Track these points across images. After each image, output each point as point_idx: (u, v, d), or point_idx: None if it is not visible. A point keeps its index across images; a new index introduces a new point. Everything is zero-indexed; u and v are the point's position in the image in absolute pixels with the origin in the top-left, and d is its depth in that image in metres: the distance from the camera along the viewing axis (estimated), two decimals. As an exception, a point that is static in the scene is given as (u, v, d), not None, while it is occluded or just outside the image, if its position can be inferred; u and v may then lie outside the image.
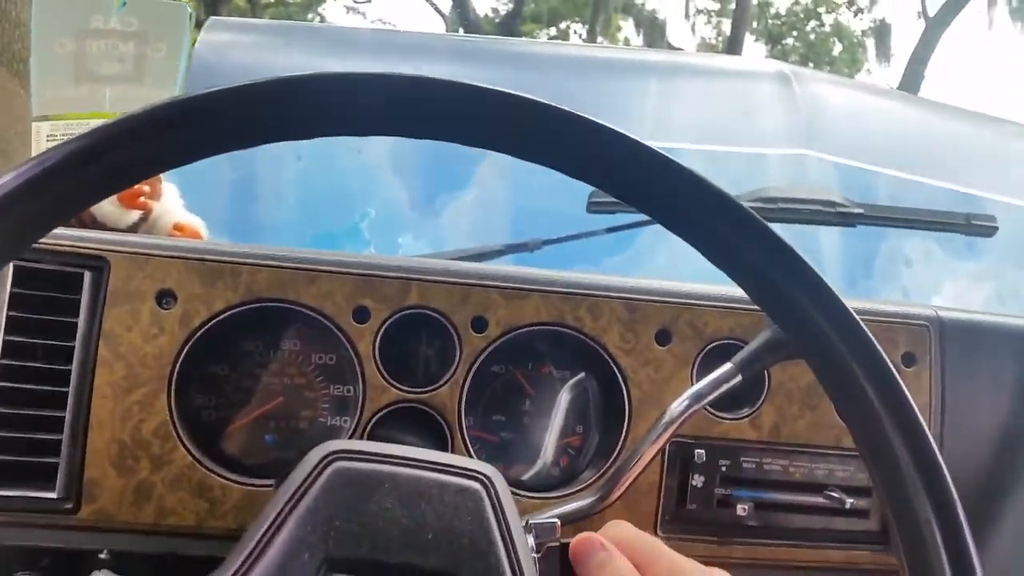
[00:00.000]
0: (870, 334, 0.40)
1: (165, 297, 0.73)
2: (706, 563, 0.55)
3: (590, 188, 1.20)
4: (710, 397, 0.64)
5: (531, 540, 0.59)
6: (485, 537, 0.46)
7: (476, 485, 0.48)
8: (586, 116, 0.40)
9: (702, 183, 0.40)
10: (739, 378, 0.63)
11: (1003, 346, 0.83)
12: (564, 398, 0.83)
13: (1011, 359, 0.83)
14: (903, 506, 0.38)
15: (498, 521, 0.47)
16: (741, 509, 0.77)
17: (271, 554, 0.44)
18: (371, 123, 0.41)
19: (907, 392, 0.39)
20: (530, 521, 0.61)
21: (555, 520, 0.60)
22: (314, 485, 0.47)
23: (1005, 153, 1.81)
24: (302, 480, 0.47)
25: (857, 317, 0.40)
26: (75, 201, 0.39)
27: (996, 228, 1.13)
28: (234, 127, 0.39)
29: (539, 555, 0.58)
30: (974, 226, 1.12)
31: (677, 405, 0.65)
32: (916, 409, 0.38)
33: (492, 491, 0.48)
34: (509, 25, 14.06)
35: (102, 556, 0.73)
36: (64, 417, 0.71)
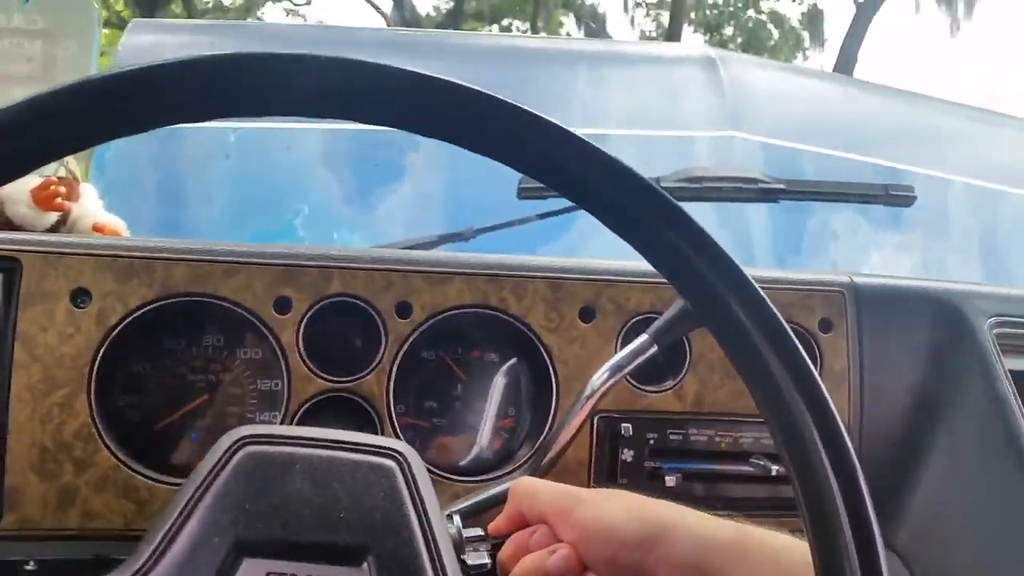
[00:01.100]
0: (765, 296, 0.40)
1: (80, 296, 0.72)
2: None
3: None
4: (629, 368, 0.65)
5: (457, 521, 0.59)
6: (398, 512, 0.46)
7: (389, 462, 0.48)
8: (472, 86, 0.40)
9: (599, 153, 0.41)
10: (655, 348, 0.64)
11: (917, 309, 0.86)
12: (495, 382, 0.84)
13: (926, 322, 0.85)
14: (805, 472, 0.38)
15: (412, 496, 0.47)
16: (671, 481, 0.78)
17: (180, 541, 0.44)
18: (290, 105, 0.40)
19: (806, 358, 0.39)
20: (452, 511, 0.61)
21: (479, 532, 0.61)
22: (224, 470, 0.46)
23: (928, 128, 1.86)
24: (212, 466, 0.46)
25: (751, 280, 0.40)
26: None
27: (914, 198, 1.16)
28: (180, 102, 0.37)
29: (464, 542, 0.59)
30: (893, 196, 1.15)
31: (597, 378, 0.66)
32: (815, 373, 0.39)
33: (406, 467, 0.48)
34: (450, 24, 14.01)
35: (28, 567, 0.71)
36: None
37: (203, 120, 0.42)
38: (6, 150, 0.35)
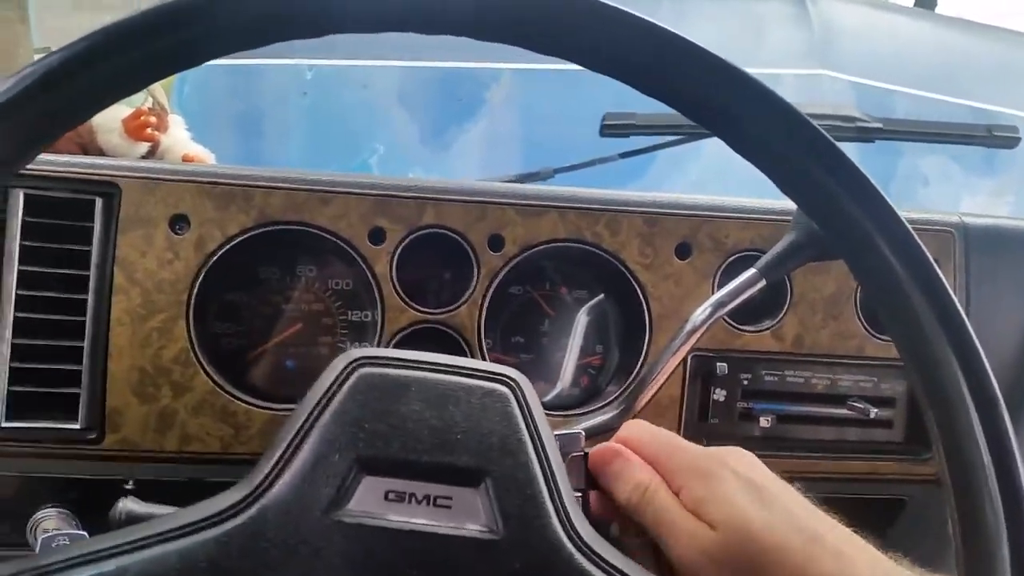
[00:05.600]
0: (913, 233, 0.38)
1: (178, 222, 0.72)
2: None
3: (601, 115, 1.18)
4: (733, 304, 0.63)
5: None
6: (514, 436, 0.45)
7: (503, 388, 0.47)
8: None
9: (740, 73, 0.38)
10: (763, 283, 0.62)
11: (1027, 251, 0.82)
12: (584, 319, 0.83)
13: (1035, 264, 0.82)
14: (945, 408, 0.36)
15: (526, 421, 0.46)
16: (764, 422, 0.77)
17: (301, 456, 0.44)
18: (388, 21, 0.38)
19: (950, 289, 0.37)
20: (554, 433, 0.61)
21: (579, 431, 0.60)
22: (341, 390, 0.46)
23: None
24: (328, 387, 0.46)
25: (898, 212, 0.38)
26: (73, 110, 0.36)
27: (1019, 139, 1.10)
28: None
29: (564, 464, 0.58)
30: (996, 137, 1.09)
31: (700, 313, 0.64)
32: (960, 306, 0.37)
33: (519, 393, 0.47)
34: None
35: (128, 486, 0.73)
36: (83, 347, 0.70)
37: (315, 36, 0.39)
38: (96, 77, 0.34)
